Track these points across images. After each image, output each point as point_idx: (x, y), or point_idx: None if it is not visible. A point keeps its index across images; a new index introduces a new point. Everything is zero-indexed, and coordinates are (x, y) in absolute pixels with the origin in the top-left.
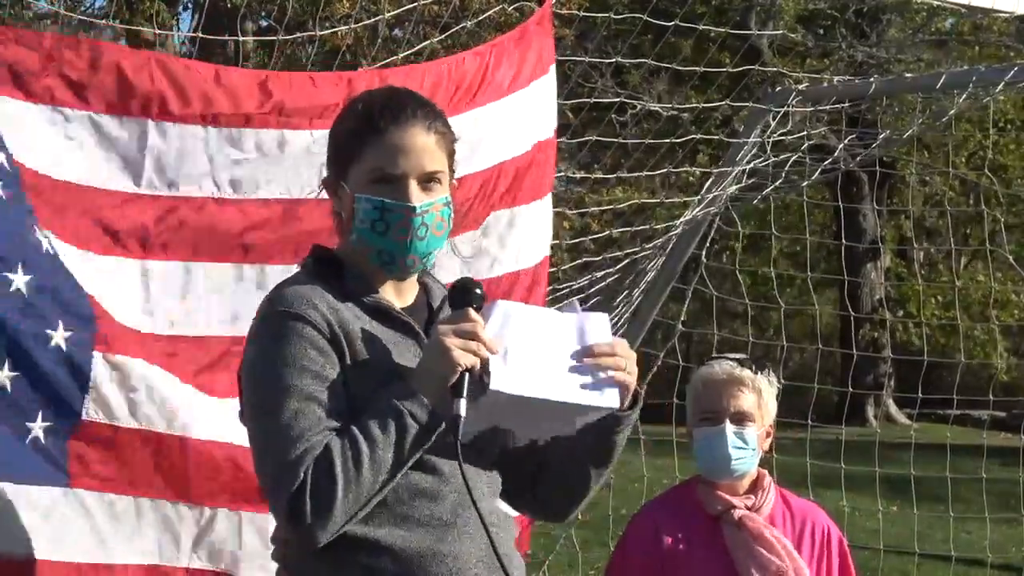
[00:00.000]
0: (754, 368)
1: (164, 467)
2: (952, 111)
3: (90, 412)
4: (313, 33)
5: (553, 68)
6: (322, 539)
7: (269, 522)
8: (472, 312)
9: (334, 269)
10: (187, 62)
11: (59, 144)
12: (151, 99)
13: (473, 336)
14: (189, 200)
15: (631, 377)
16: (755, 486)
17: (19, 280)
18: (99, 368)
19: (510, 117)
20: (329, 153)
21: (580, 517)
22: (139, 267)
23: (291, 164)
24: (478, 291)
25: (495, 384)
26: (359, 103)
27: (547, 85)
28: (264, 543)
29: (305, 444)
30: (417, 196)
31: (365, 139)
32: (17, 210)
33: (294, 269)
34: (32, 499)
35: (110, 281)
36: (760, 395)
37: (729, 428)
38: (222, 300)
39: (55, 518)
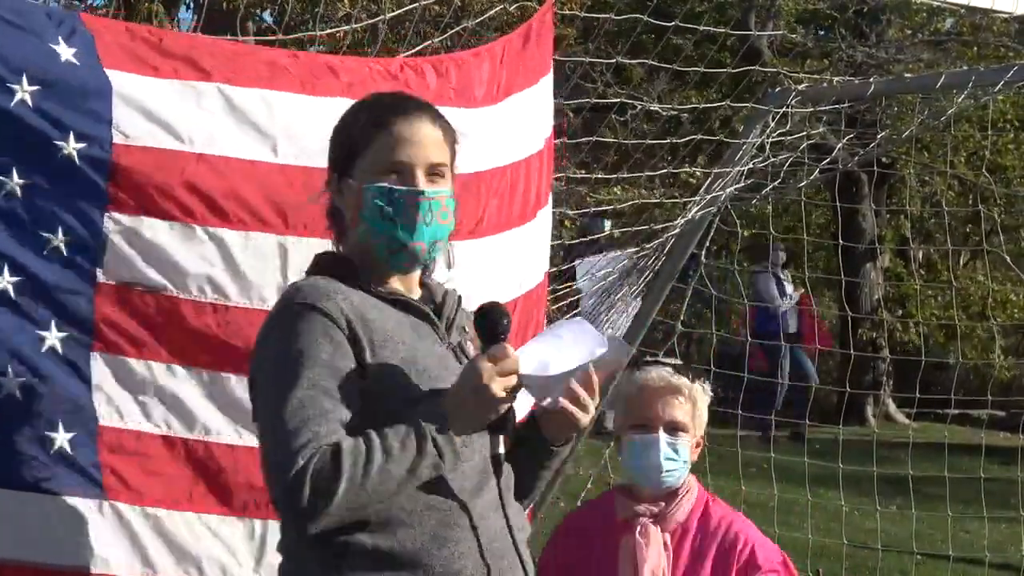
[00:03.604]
0: (691, 376)
1: (201, 475)
2: (951, 111)
3: (104, 417)
4: (313, 33)
5: (548, 78)
6: (311, 528)
7: None
8: (510, 349)
9: (345, 268)
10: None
11: (193, 116)
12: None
13: (512, 374)
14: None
15: (584, 417)
16: (673, 493)
17: (3, 281)
18: (99, 369)
19: (506, 122)
20: (333, 154)
21: None
22: (275, 243)
23: None
24: (506, 321)
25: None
26: (365, 102)
27: (542, 93)
28: None
29: (309, 434)
30: (423, 184)
31: (373, 133)
32: (41, 202)
33: None
34: (68, 510)
35: (239, 255)
36: (695, 405)
37: (663, 438)
38: None
39: (94, 531)
